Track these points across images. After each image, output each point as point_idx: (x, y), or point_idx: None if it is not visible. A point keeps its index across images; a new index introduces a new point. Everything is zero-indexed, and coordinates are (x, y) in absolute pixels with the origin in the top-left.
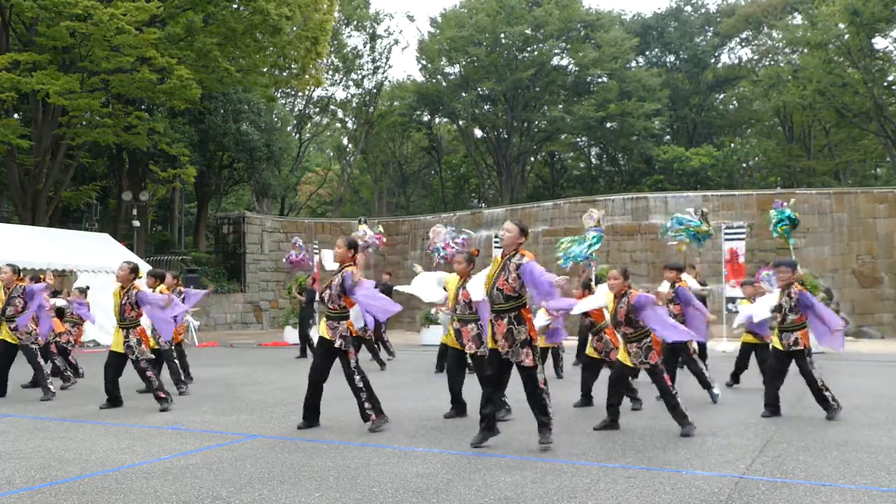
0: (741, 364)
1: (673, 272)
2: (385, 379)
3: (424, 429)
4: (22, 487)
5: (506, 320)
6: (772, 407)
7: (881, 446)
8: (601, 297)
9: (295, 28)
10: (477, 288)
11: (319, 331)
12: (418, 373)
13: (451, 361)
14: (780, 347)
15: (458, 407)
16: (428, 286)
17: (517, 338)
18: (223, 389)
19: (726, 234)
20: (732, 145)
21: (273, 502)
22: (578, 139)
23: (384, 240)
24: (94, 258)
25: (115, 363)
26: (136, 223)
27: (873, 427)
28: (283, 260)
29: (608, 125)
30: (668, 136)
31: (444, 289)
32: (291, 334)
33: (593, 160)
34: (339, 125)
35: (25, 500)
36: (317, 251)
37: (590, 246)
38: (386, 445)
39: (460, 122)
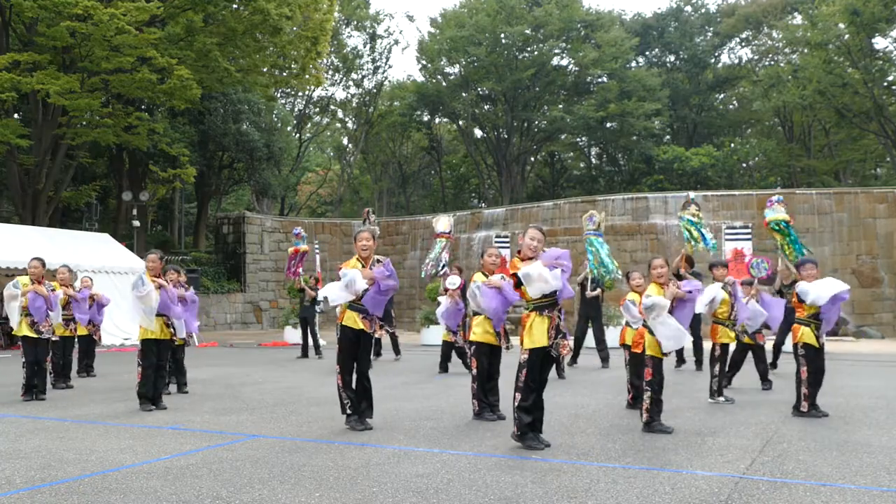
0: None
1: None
2: (385, 379)
3: (424, 429)
4: (22, 487)
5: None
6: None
7: (881, 446)
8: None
9: (295, 28)
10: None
11: (347, 322)
12: (419, 373)
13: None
14: (817, 346)
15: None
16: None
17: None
18: (223, 389)
19: (727, 233)
20: (732, 145)
21: (273, 502)
22: (578, 139)
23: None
24: (94, 258)
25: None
26: (136, 223)
27: (873, 427)
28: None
29: (608, 125)
30: (668, 136)
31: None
32: (291, 334)
33: (593, 160)
34: (339, 125)
35: (25, 500)
36: (318, 251)
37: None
38: (386, 445)
39: (460, 122)
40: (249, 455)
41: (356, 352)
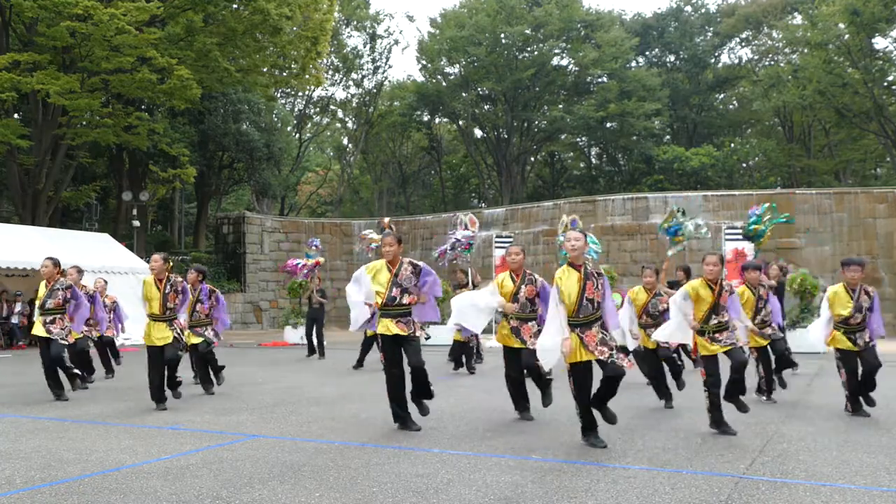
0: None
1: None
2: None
3: (424, 429)
4: (22, 487)
5: (595, 329)
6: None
7: (881, 446)
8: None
9: (295, 28)
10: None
11: (381, 330)
12: None
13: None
14: (854, 348)
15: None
16: (472, 315)
17: (613, 344)
18: (223, 389)
19: (727, 233)
20: (732, 145)
21: (273, 502)
22: (578, 139)
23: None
24: (94, 258)
25: (162, 359)
26: (136, 223)
27: (873, 427)
28: (289, 265)
29: (608, 125)
30: (668, 136)
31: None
32: (291, 334)
33: (593, 160)
34: (339, 125)
35: (25, 500)
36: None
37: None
38: (386, 445)
39: (460, 122)
40: (249, 455)
41: (398, 358)
